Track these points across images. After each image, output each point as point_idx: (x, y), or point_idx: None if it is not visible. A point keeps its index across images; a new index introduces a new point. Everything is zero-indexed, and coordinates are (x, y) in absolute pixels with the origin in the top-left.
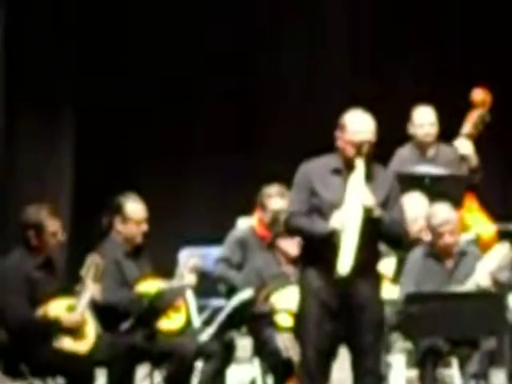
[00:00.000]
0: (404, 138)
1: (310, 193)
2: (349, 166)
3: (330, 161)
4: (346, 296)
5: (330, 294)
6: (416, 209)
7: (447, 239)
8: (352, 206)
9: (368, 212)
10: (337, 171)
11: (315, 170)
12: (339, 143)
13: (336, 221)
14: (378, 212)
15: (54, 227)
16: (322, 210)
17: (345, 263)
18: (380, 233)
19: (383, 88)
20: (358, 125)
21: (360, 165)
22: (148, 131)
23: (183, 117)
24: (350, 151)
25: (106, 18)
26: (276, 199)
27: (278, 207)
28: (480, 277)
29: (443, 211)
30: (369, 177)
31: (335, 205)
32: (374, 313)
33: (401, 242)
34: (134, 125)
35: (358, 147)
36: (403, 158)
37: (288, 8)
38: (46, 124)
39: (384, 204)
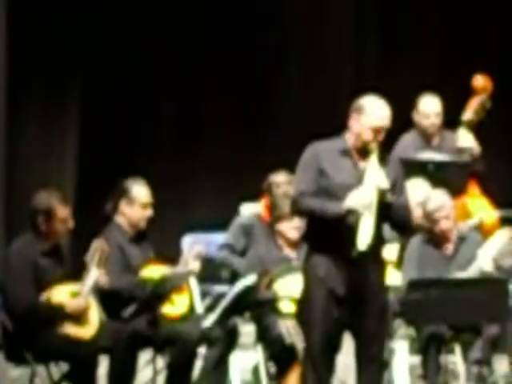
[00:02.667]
0: (406, 124)
1: (319, 173)
2: (359, 149)
3: (337, 143)
4: (352, 282)
5: (336, 281)
6: (418, 194)
7: (443, 225)
8: (368, 188)
9: (382, 195)
10: (345, 153)
11: (324, 151)
12: (355, 126)
13: (353, 200)
14: (389, 196)
15: (63, 214)
16: (331, 191)
17: (364, 239)
18: (389, 217)
19: (387, 75)
20: (380, 110)
21: (376, 149)
22: (151, 117)
23: (188, 102)
24: (368, 135)
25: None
26: (285, 187)
27: (282, 192)
28: (483, 263)
29: (437, 197)
30: (382, 161)
31: (345, 186)
32: (379, 299)
33: (408, 227)
34: (138, 111)
35: (377, 132)
36: (407, 145)
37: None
38: (50, 110)
39: (391, 189)
